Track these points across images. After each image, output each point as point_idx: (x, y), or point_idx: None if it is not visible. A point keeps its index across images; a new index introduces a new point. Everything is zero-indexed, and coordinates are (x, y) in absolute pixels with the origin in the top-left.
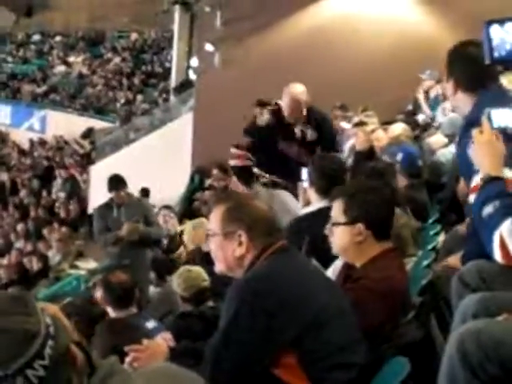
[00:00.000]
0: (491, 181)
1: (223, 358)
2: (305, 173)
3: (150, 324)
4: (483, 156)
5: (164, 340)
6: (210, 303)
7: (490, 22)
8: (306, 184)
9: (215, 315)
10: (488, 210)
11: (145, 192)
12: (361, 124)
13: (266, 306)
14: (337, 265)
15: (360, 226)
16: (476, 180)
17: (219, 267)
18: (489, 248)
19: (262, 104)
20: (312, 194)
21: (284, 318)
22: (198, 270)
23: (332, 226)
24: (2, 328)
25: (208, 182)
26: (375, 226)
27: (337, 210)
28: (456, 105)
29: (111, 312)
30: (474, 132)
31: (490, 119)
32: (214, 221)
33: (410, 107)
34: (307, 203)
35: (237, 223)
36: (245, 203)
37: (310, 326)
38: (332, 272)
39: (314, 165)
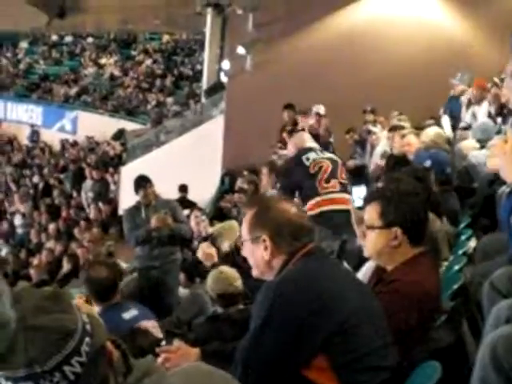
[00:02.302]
0: None
1: (254, 359)
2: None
3: (128, 314)
4: (508, 164)
5: (147, 327)
6: (240, 306)
7: None
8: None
9: (244, 318)
10: None
11: (183, 188)
12: (396, 128)
13: (297, 309)
14: (368, 267)
15: (396, 230)
16: None
17: (254, 272)
18: None
19: (289, 107)
20: None
21: (315, 320)
22: (230, 272)
23: (367, 229)
24: (40, 325)
25: (238, 183)
26: (411, 230)
27: (372, 213)
28: None
29: (95, 305)
30: (498, 141)
31: None
32: (243, 227)
33: (441, 112)
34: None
35: (261, 228)
36: (270, 207)
37: (341, 329)
38: (363, 274)
39: None
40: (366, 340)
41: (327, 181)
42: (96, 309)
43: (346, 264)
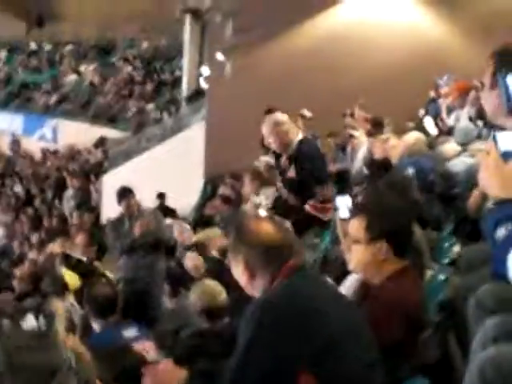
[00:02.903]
0: (502, 203)
1: (241, 380)
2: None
3: (129, 333)
4: (491, 178)
5: (145, 349)
6: (226, 319)
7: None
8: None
9: (231, 332)
10: (501, 232)
11: (161, 196)
12: (376, 127)
13: (281, 328)
14: (350, 281)
15: (382, 244)
16: None
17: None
18: (503, 270)
19: (271, 112)
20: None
21: (300, 339)
22: (214, 285)
23: (352, 242)
24: (25, 364)
25: (221, 190)
26: (397, 243)
27: (358, 227)
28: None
29: (93, 322)
30: (481, 154)
31: (495, 141)
32: (228, 247)
33: (421, 113)
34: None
35: (237, 251)
36: (244, 230)
37: (327, 347)
38: (346, 288)
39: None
40: (351, 358)
41: None
42: (95, 326)
43: (327, 278)
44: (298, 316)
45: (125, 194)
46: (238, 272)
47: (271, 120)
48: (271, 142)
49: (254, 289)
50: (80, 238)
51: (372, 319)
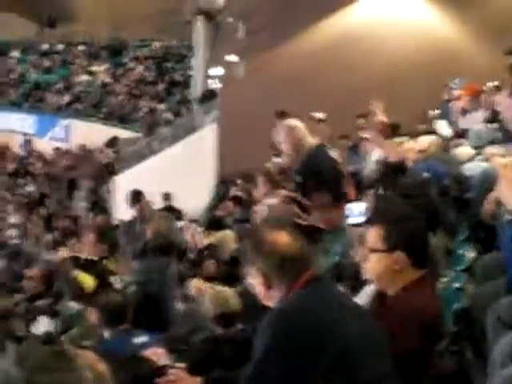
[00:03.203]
0: None
1: None
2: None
3: (139, 339)
4: (510, 190)
5: (155, 354)
6: (239, 326)
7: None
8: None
9: (245, 338)
10: None
11: (167, 196)
12: (390, 130)
13: (297, 339)
14: (366, 291)
15: (399, 254)
16: None
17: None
18: None
19: (282, 115)
20: None
21: (315, 349)
22: (227, 291)
23: (369, 252)
24: None
25: (232, 192)
26: (414, 254)
27: (375, 236)
28: None
29: (104, 330)
30: (500, 167)
31: None
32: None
33: (432, 114)
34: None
35: (254, 262)
36: (260, 241)
37: (342, 357)
38: (362, 298)
39: None
40: (367, 368)
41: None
42: (106, 333)
43: (341, 286)
44: (314, 327)
45: (136, 197)
46: (255, 282)
47: (286, 125)
48: (284, 149)
49: (271, 299)
50: (88, 237)
51: (388, 330)
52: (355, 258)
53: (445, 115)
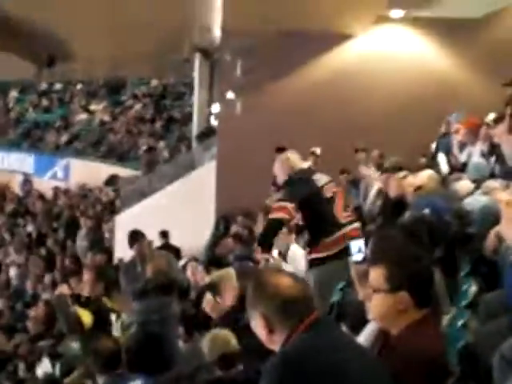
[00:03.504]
0: None
1: None
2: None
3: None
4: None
5: None
6: (240, 367)
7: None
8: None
9: (247, 379)
10: None
11: (164, 234)
12: (392, 170)
13: None
14: (369, 330)
15: (403, 295)
16: None
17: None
18: None
19: (281, 150)
20: None
21: None
22: (225, 334)
23: (373, 292)
24: None
25: (233, 229)
26: (418, 294)
27: (378, 276)
28: None
29: (97, 376)
30: (502, 204)
31: None
32: (246, 302)
33: (433, 148)
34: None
35: (255, 306)
36: (261, 284)
37: None
38: (365, 337)
39: None
40: None
41: (345, 208)
42: (99, 380)
43: (344, 326)
44: (318, 370)
45: (136, 237)
46: (257, 326)
47: (281, 157)
48: (279, 180)
49: (273, 343)
50: (87, 275)
51: (391, 370)
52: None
53: (443, 148)
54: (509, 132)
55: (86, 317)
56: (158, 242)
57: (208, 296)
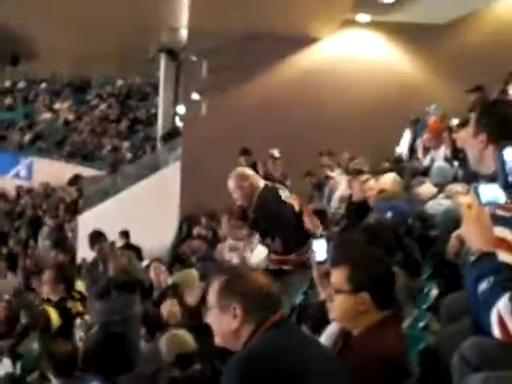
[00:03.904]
0: (483, 256)
1: None
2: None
3: None
4: (473, 231)
5: None
6: (197, 366)
7: (503, 146)
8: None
9: (204, 378)
10: (483, 286)
11: (124, 234)
12: (355, 173)
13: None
14: (331, 330)
15: (364, 295)
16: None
17: (217, 340)
18: (487, 324)
19: (245, 152)
20: None
21: None
22: (183, 334)
23: (334, 293)
24: None
25: (196, 230)
26: (379, 295)
27: (340, 277)
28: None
29: (53, 379)
30: (463, 207)
31: (477, 194)
32: (211, 293)
33: (397, 151)
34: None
35: (232, 296)
36: (241, 276)
37: None
38: (326, 337)
39: None
40: None
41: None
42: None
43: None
44: (280, 370)
45: (97, 238)
46: (225, 320)
47: (236, 175)
48: (236, 196)
49: (237, 340)
50: (47, 275)
51: (351, 370)
52: (319, 296)
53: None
54: (473, 136)
55: (53, 315)
56: (120, 243)
57: (167, 301)
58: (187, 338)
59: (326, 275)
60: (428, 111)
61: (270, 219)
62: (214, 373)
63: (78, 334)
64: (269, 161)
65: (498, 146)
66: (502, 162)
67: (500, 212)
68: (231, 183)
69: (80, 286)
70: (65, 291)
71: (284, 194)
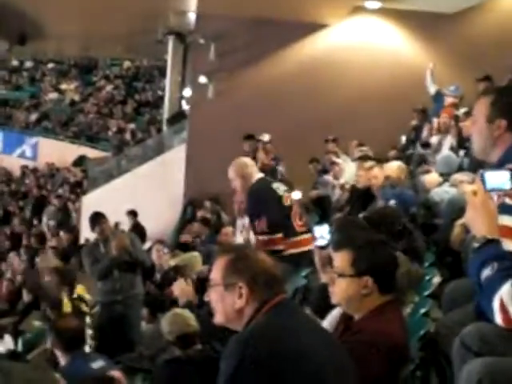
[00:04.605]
0: (487, 243)
1: None
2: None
3: (97, 364)
4: (477, 218)
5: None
6: (198, 346)
7: None
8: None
9: (205, 358)
10: (486, 272)
11: (133, 214)
12: (362, 159)
13: (264, 365)
14: (333, 314)
15: (367, 279)
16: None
17: (218, 319)
18: (489, 311)
19: (249, 138)
20: None
21: (282, 376)
22: (185, 313)
23: (337, 276)
24: None
25: (200, 213)
26: (382, 279)
27: (343, 261)
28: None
29: (60, 355)
30: (468, 193)
31: (483, 180)
32: (215, 271)
33: (403, 140)
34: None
35: (238, 275)
36: (248, 255)
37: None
38: (329, 322)
39: None
40: None
41: (300, 218)
42: (62, 359)
43: (308, 309)
44: (283, 352)
45: (97, 219)
46: (229, 299)
47: (236, 164)
48: (235, 185)
49: (240, 319)
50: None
51: (352, 354)
52: (321, 280)
53: (413, 140)
54: (487, 121)
55: (66, 301)
56: (124, 224)
57: (179, 281)
58: (189, 317)
59: (328, 260)
60: (445, 92)
61: (258, 202)
62: (215, 353)
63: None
64: (259, 146)
65: None
66: None
67: (509, 201)
68: (231, 172)
69: (80, 289)
70: (68, 294)
71: (280, 187)
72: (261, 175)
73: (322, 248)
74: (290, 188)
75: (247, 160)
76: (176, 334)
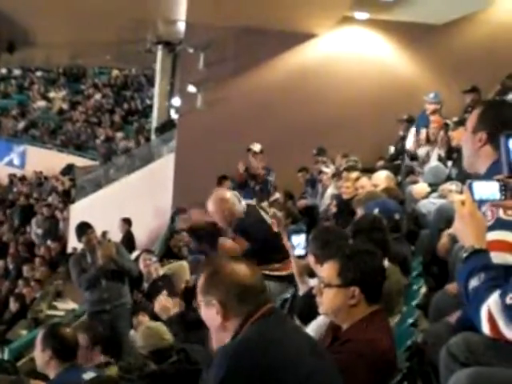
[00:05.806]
0: (475, 253)
1: None
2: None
3: (88, 375)
4: (465, 228)
5: None
6: (173, 358)
7: (508, 135)
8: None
9: (179, 370)
10: (474, 283)
11: (127, 222)
12: (348, 169)
13: (250, 376)
14: (319, 322)
15: (354, 290)
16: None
17: (211, 335)
18: (476, 321)
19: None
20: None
21: None
22: (158, 326)
23: (324, 287)
24: None
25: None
26: (369, 289)
27: (331, 271)
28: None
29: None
30: (456, 203)
31: (471, 190)
32: (198, 289)
33: (391, 150)
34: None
35: (211, 292)
36: (219, 270)
37: None
38: (313, 329)
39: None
40: None
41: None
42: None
43: (297, 320)
44: (270, 362)
45: (84, 229)
46: (210, 315)
47: (216, 197)
48: (216, 218)
49: (225, 331)
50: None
51: (339, 364)
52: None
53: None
54: (472, 132)
55: None
56: (112, 233)
57: (160, 296)
58: (163, 331)
59: (305, 269)
60: (425, 100)
61: (248, 232)
62: (191, 365)
63: None
64: (250, 156)
65: (503, 136)
66: (507, 151)
67: (503, 215)
68: (210, 206)
69: None
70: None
71: (265, 215)
72: (246, 203)
73: (299, 257)
74: (291, 197)
75: (225, 192)
76: (150, 349)
